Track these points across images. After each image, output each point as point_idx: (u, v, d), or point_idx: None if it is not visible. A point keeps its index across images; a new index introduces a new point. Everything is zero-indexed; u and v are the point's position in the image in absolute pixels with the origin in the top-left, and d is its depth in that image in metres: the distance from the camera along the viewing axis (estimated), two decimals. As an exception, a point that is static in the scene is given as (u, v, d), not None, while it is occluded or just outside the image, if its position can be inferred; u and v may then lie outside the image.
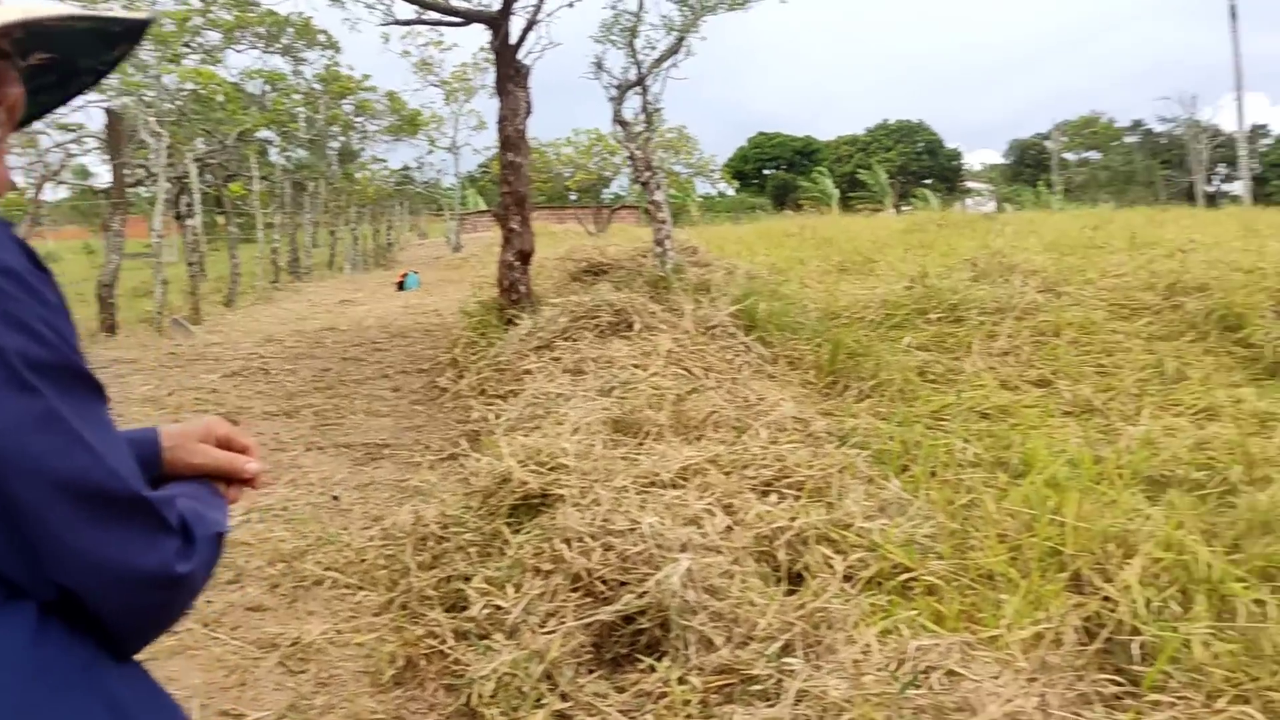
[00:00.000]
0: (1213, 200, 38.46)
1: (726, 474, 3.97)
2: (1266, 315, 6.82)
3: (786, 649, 2.82)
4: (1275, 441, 4.72)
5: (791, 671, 2.67)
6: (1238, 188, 34.25)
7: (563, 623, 2.98)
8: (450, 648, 3.14)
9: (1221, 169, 51.60)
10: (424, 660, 3.20)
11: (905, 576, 3.38)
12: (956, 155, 58.75)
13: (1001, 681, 2.53)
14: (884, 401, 6.00)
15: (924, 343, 7.21)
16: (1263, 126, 56.53)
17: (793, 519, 3.56)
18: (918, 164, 54.60)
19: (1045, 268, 8.49)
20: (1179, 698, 2.84)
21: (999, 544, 3.64)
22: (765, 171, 58.57)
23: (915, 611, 3.13)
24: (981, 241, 10.59)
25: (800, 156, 56.99)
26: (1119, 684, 2.88)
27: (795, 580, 3.34)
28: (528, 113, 7.72)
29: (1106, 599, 3.30)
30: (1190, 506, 4.06)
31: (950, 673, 2.61)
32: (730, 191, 51.92)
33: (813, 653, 2.80)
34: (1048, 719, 2.33)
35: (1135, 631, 3.13)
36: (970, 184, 55.69)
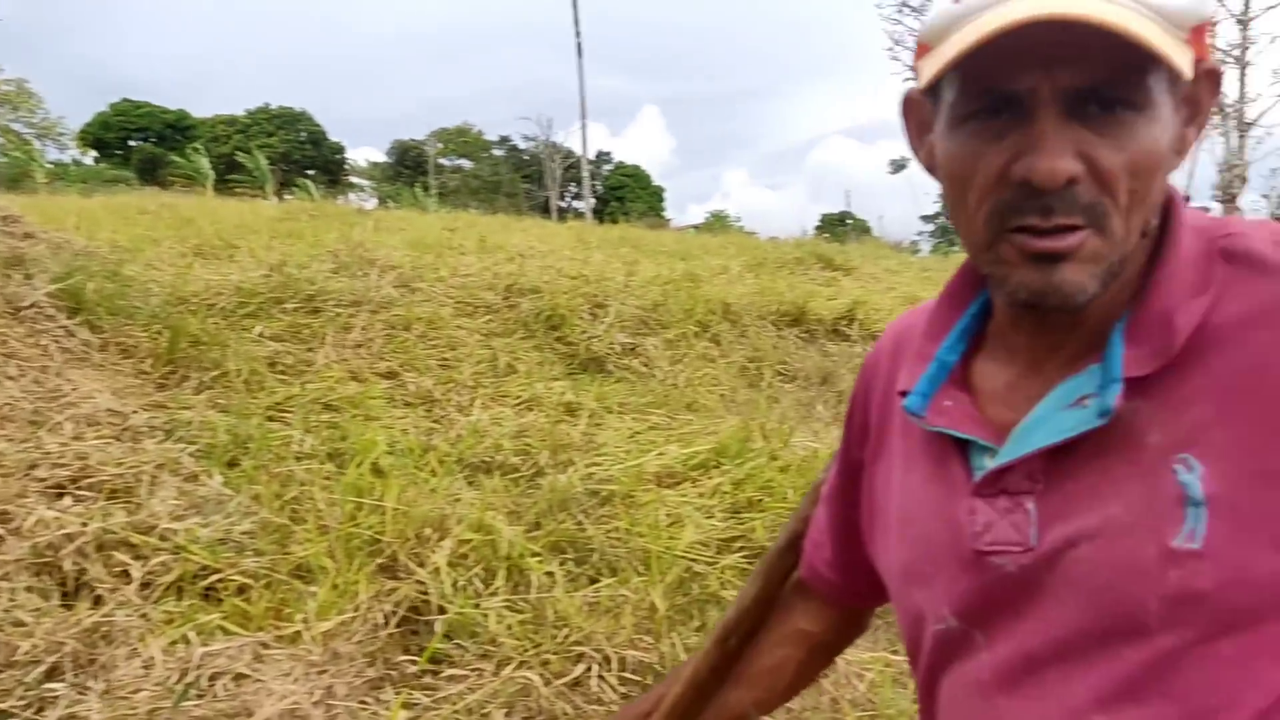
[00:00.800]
0: (563, 215, 43.28)
1: (7, 476, 3.40)
2: (584, 316, 7.71)
3: (53, 673, 2.47)
4: (579, 428, 5.31)
5: (53, 699, 2.33)
6: (583, 205, 38.91)
7: None
8: None
9: (573, 187, 58.34)
10: None
11: (214, 578, 3.17)
12: (340, 149, 58.79)
13: (292, 678, 2.45)
14: (227, 393, 5.67)
15: (278, 333, 6.97)
16: (607, 153, 65.04)
17: (85, 524, 3.16)
18: (300, 153, 53.60)
19: (403, 264, 8.72)
20: (472, 670, 3.02)
21: (320, 536, 3.58)
22: (131, 143, 53.23)
23: (219, 615, 2.94)
24: (347, 234, 10.59)
25: (173, 130, 52.66)
26: (416, 663, 2.97)
27: (80, 593, 2.95)
28: None
29: (420, 583, 3.42)
30: (503, 490, 4.39)
31: (239, 676, 2.47)
32: (89, 161, 46.31)
33: (85, 674, 2.48)
34: (329, 709, 2.30)
35: (442, 611, 3.28)
36: (354, 179, 56.13)
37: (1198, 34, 0.78)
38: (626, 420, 5.87)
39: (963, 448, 0.91)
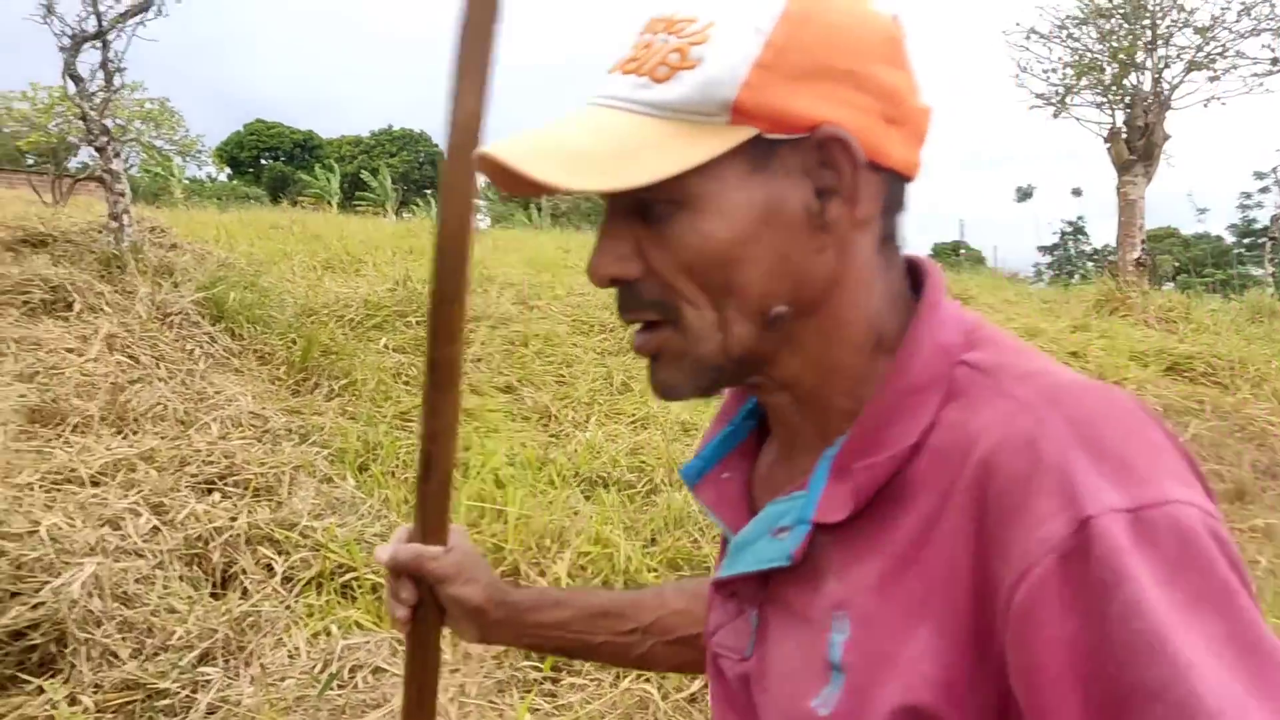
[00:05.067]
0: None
1: (162, 471, 3.62)
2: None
3: (205, 658, 2.62)
4: (694, 447, 5.36)
5: (206, 682, 2.48)
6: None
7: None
8: None
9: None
10: None
11: (349, 576, 3.32)
12: (458, 169, 60.27)
13: (426, 675, 2.55)
14: (355, 401, 5.91)
15: (401, 344, 7.23)
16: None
17: (233, 519, 3.34)
18: (419, 173, 55.23)
19: (520, 282, 8.93)
20: (591, 680, 3.08)
21: (446, 541, 3.71)
22: (263, 161, 55.67)
23: (356, 611, 3.08)
24: (475, 251, 10.91)
25: (301, 150, 54.96)
26: (539, 669, 3.05)
27: (227, 584, 3.12)
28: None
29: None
30: (620, 504, 4.47)
31: (377, 669, 2.58)
32: (223, 178, 48.56)
33: (235, 660, 2.63)
34: (461, 707, 2.39)
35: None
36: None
37: (754, 106, 0.67)
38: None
39: None
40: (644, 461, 5.13)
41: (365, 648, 2.63)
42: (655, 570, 3.78)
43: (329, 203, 23.55)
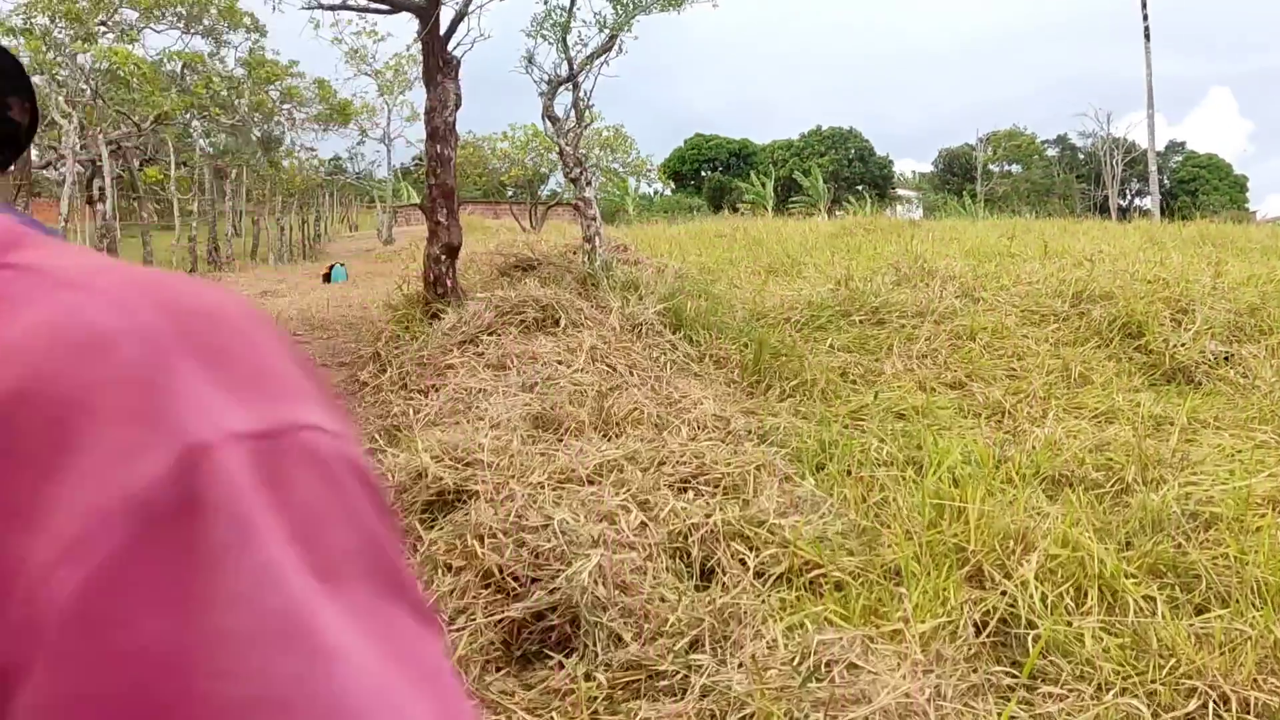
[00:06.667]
0: (1124, 214, 39.75)
1: (644, 470, 4.01)
2: (1165, 323, 7.08)
3: (695, 644, 2.87)
4: (1169, 444, 4.91)
5: (698, 667, 2.72)
6: (1148, 203, 35.42)
7: (472, 620, 2.99)
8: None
9: (1134, 184, 53.34)
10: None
11: (815, 573, 3.46)
12: (887, 163, 59.79)
13: (900, 673, 2.61)
14: (806, 401, 6.11)
15: (846, 344, 7.35)
16: (1179, 143, 58.55)
17: (708, 516, 3.62)
18: (849, 170, 55.40)
19: (963, 274, 8.69)
20: (1069, 689, 2.96)
21: (906, 540, 3.73)
22: (702, 173, 58.95)
23: (823, 607, 3.21)
24: (905, 247, 10.79)
25: (736, 159, 57.46)
26: (1014, 676, 2.98)
27: (707, 576, 3.39)
28: (457, 105, 7.68)
29: (1004, 594, 3.43)
30: (1087, 505, 4.22)
31: (851, 665, 2.68)
32: (667, 192, 52.14)
33: (720, 648, 2.85)
34: (938, 709, 2.41)
35: (1031, 625, 3.25)
36: (900, 191, 56.70)
37: None
38: (1224, 437, 5.31)
39: None
40: (1111, 459, 4.79)
41: (839, 644, 2.74)
42: (1134, 576, 3.53)
43: (764, 207, 24.42)
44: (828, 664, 2.68)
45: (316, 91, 25.36)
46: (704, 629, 2.90)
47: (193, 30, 20.54)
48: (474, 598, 3.03)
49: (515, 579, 3.06)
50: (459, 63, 7.55)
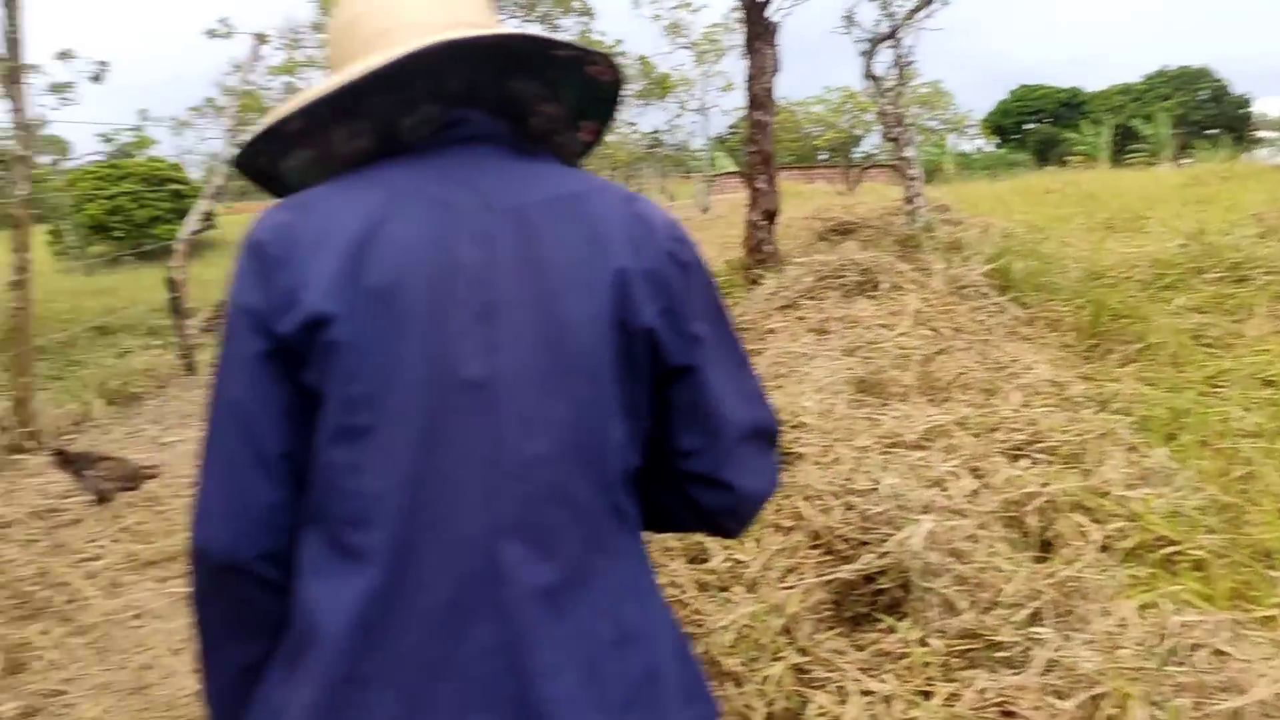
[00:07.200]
0: None
1: (974, 436, 3.87)
2: None
3: (1035, 617, 2.75)
4: None
5: (1041, 640, 2.60)
6: None
7: (802, 579, 3.03)
8: (691, 598, 3.25)
9: None
10: (666, 606, 3.33)
11: (1169, 550, 3.19)
12: (1245, 102, 53.23)
13: (1275, 664, 2.36)
14: (1152, 366, 5.62)
15: (1199, 304, 6.68)
16: None
17: (1045, 485, 3.43)
18: (1200, 113, 49.89)
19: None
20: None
21: (1277, 518, 3.36)
22: (1026, 126, 55.35)
23: (1179, 587, 2.96)
24: (1271, 195, 9.60)
25: (1066, 109, 53.42)
26: None
27: (1045, 548, 3.22)
28: (775, 71, 7.68)
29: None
30: None
31: (1217, 652, 2.46)
32: (989, 148, 49.46)
33: (1063, 622, 2.71)
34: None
35: None
36: (1261, 133, 50.32)
37: None
38: None
39: None
40: None
41: (1202, 626, 2.52)
42: None
43: (1098, 159, 22.58)
44: (1190, 648, 2.47)
45: (640, 68, 26.18)
46: (1044, 602, 2.76)
47: (530, 17, 21.92)
48: (803, 558, 3.07)
49: (845, 540, 3.06)
50: (777, 27, 7.54)
